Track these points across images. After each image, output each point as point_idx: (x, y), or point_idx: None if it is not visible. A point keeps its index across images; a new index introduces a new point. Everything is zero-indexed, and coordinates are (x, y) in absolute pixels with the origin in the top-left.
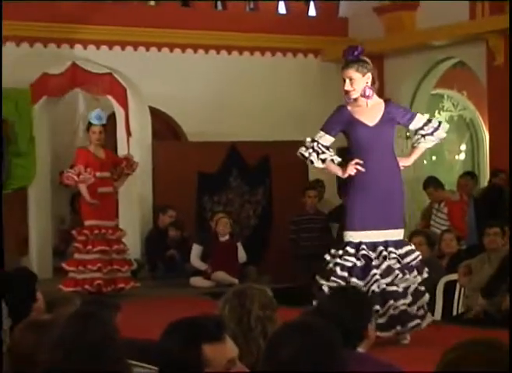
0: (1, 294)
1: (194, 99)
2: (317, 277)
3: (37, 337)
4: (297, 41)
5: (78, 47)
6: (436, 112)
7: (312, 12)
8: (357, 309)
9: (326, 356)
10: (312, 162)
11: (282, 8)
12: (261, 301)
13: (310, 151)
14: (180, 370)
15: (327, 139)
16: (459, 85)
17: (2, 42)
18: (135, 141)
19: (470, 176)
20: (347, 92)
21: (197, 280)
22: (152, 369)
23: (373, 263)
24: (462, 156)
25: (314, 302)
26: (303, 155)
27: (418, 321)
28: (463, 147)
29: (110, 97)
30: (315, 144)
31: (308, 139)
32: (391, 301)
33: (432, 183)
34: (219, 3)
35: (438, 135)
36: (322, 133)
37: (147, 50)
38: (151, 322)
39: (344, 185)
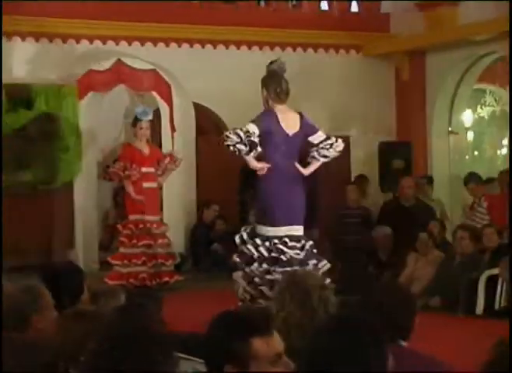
0: (50, 287)
1: (237, 95)
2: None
3: (80, 327)
4: (339, 37)
5: (124, 43)
6: (478, 107)
7: (354, 8)
8: (405, 304)
9: (367, 348)
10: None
11: (324, 5)
12: (317, 282)
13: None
14: (227, 362)
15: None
16: (501, 79)
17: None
18: (180, 137)
19: None
20: None
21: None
22: (197, 361)
23: (281, 255)
24: (504, 151)
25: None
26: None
27: None
28: (505, 141)
29: (154, 93)
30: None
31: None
32: None
33: (473, 179)
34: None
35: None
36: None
37: (191, 46)
38: (195, 315)
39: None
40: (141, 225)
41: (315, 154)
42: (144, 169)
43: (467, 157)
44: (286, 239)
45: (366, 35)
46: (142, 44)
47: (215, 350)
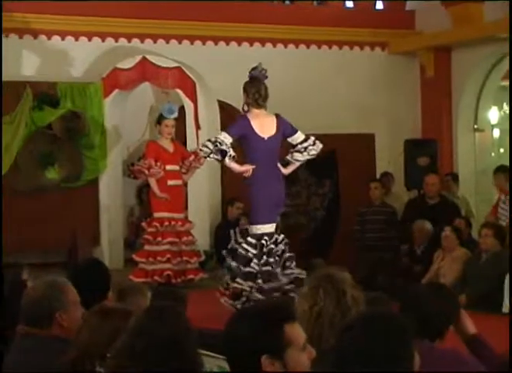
0: (76, 284)
1: None
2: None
3: (108, 324)
4: (364, 34)
5: (149, 41)
6: (504, 104)
7: (379, 5)
8: (447, 306)
9: (394, 347)
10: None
11: (349, 2)
12: (349, 282)
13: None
14: (264, 352)
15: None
16: None
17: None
18: (204, 134)
19: None
20: None
21: None
22: (219, 358)
23: (267, 250)
24: None
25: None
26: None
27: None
28: None
29: (179, 91)
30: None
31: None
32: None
33: (503, 171)
34: None
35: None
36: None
37: (215, 44)
38: (219, 313)
39: None
40: (166, 223)
41: (290, 156)
42: (168, 167)
43: (492, 154)
44: (276, 235)
45: (391, 32)
46: (167, 42)
47: (247, 341)
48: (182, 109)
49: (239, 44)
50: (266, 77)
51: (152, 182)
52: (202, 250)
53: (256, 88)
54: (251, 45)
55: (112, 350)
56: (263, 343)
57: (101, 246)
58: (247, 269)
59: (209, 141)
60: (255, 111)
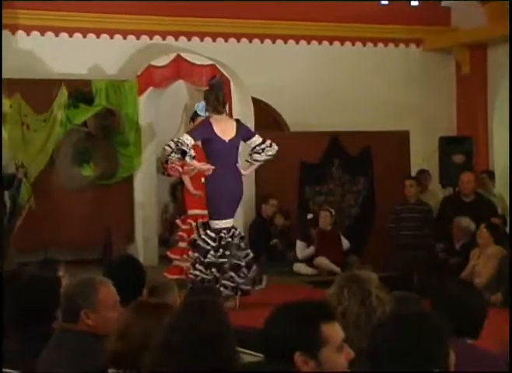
0: (112, 281)
1: (296, 90)
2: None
3: (147, 321)
4: (399, 31)
5: (183, 39)
6: None
7: (414, 1)
8: (476, 302)
9: (433, 345)
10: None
11: (384, 1)
12: (375, 283)
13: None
14: (297, 349)
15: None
16: None
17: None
18: None
19: None
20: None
21: (300, 267)
22: (256, 356)
23: (224, 243)
24: None
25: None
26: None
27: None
28: None
29: None
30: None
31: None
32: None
33: None
34: None
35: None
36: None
37: (250, 41)
38: (253, 310)
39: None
40: (200, 220)
41: (249, 157)
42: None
43: None
44: (233, 229)
45: (426, 29)
46: (201, 39)
47: (283, 338)
48: None
49: (273, 42)
50: (223, 86)
51: (186, 179)
52: None
53: (215, 95)
54: (285, 42)
55: (150, 347)
56: (298, 340)
57: (135, 243)
58: (207, 259)
59: (172, 141)
60: (215, 116)
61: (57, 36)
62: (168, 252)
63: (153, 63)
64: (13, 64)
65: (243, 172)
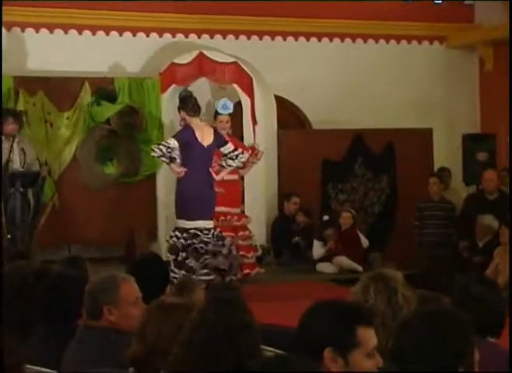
0: (135, 279)
1: (318, 88)
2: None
3: (167, 318)
4: (423, 28)
5: (205, 36)
6: None
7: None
8: (498, 301)
9: (458, 342)
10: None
11: None
12: (401, 281)
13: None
14: (329, 345)
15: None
16: None
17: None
18: (261, 130)
19: None
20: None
21: (322, 265)
22: (280, 353)
23: (196, 242)
24: None
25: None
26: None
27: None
28: None
29: (236, 86)
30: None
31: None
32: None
33: None
34: None
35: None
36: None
37: (272, 39)
38: (275, 308)
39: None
40: (221, 217)
41: (224, 163)
42: None
43: None
44: (198, 232)
45: (449, 26)
46: (224, 37)
47: (317, 334)
48: (239, 105)
49: (296, 39)
50: (192, 95)
51: None
52: (259, 245)
53: (189, 101)
54: (308, 40)
55: (175, 345)
56: (332, 337)
57: (158, 241)
58: (179, 258)
59: (163, 145)
60: (194, 121)
61: (80, 34)
62: None
63: (176, 61)
64: (36, 62)
65: (215, 176)
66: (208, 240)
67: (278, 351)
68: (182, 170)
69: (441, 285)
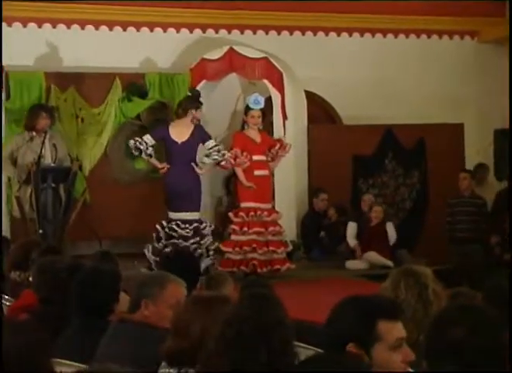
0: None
1: (349, 83)
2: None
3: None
4: (453, 23)
5: (236, 32)
6: None
7: None
8: None
9: (490, 338)
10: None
11: None
12: (431, 276)
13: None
14: (351, 340)
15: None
16: None
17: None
18: (291, 125)
19: None
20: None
21: (352, 263)
22: (313, 350)
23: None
24: None
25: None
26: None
27: None
28: None
29: (266, 81)
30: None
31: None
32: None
33: None
34: None
35: (225, 155)
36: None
37: (302, 34)
38: (306, 303)
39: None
40: (252, 213)
41: (205, 158)
42: (255, 157)
43: None
44: (179, 222)
45: (481, 20)
46: (254, 33)
47: (341, 329)
48: (269, 100)
49: (326, 34)
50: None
51: (239, 171)
52: (290, 241)
53: (182, 106)
54: (339, 35)
55: (211, 341)
56: (353, 332)
57: None
58: (156, 245)
59: (138, 142)
60: (176, 121)
61: (111, 30)
62: (220, 245)
63: (206, 56)
64: (68, 58)
65: (198, 171)
66: (187, 234)
67: (310, 347)
68: (164, 166)
69: (472, 281)
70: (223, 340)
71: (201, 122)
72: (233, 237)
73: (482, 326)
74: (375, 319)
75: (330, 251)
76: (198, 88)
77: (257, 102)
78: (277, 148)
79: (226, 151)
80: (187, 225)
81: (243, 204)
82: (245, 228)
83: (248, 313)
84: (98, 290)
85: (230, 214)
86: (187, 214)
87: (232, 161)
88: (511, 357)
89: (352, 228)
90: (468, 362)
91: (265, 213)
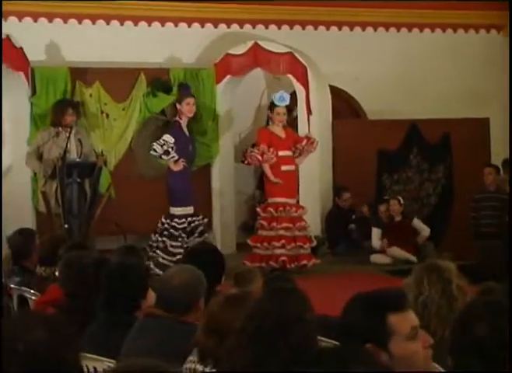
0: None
1: (373, 77)
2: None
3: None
4: (480, 17)
5: (260, 27)
6: None
7: None
8: None
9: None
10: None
11: None
12: (455, 272)
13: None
14: (368, 341)
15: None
16: None
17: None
18: (316, 120)
19: None
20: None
21: (377, 257)
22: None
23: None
24: None
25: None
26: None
27: None
28: None
29: (290, 76)
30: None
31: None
32: None
33: None
34: None
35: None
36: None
37: (327, 29)
38: (331, 298)
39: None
40: (280, 208)
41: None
42: (281, 153)
43: None
44: (183, 218)
45: (507, 14)
46: (279, 27)
47: (355, 329)
48: (294, 95)
49: (351, 29)
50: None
51: (266, 167)
52: (314, 236)
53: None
54: (363, 30)
55: (235, 336)
56: (368, 331)
57: (213, 231)
58: (158, 239)
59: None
60: (184, 119)
61: (136, 25)
62: (248, 240)
63: (231, 51)
64: (93, 53)
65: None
66: (184, 225)
67: (334, 342)
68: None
69: (497, 276)
70: (244, 335)
71: (227, 117)
72: (261, 232)
73: (506, 323)
74: (384, 314)
75: (357, 245)
76: (222, 83)
77: (282, 99)
78: (304, 143)
79: (154, 147)
80: (193, 219)
81: (271, 200)
82: (273, 224)
83: (269, 307)
84: (126, 284)
85: (258, 209)
86: (191, 208)
87: (259, 157)
88: (511, 357)
89: (376, 232)
90: (492, 358)
91: (293, 208)
